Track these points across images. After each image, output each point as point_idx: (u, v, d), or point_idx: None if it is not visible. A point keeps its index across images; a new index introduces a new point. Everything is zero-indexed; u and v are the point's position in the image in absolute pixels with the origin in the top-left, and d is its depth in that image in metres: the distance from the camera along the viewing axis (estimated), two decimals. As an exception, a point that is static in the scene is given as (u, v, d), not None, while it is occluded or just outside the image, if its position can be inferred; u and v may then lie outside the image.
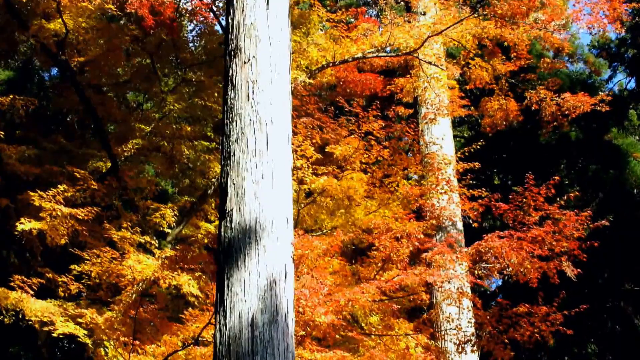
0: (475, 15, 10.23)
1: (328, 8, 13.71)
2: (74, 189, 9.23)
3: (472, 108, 12.75)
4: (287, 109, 5.64)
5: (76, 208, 8.77)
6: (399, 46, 10.41)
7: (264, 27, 5.69)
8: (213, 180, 10.96)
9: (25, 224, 8.41)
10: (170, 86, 12.26)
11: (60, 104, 13.04)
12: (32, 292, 8.34)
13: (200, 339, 7.90)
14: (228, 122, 5.49)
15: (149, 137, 11.56)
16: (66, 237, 8.75)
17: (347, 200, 10.43)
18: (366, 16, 13.03)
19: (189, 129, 11.56)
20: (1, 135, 9.65)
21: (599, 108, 11.18)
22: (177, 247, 9.63)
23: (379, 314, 9.15)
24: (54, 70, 14.87)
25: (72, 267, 8.72)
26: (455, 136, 14.10)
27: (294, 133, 9.03)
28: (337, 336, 8.09)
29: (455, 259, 8.36)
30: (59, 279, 8.89)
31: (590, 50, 17.45)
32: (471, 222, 10.72)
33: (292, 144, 6.09)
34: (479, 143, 11.26)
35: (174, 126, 11.47)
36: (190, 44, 12.83)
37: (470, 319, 9.31)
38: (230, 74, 5.63)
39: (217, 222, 8.40)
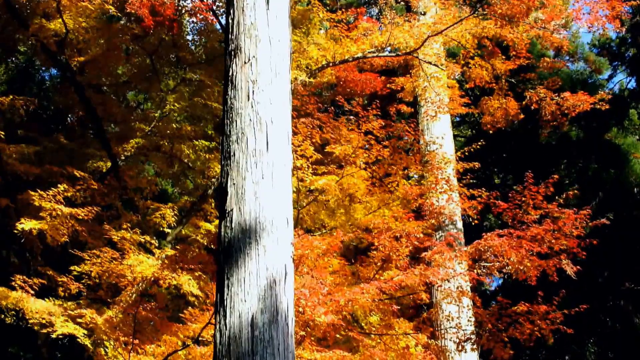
0: (475, 15, 10.23)
1: (328, 8, 13.71)
2: (74, 188, 9.23)
3: (473, 107, 12.77)
4: (287, 109, 5.64)
5: (76, 208, 8.76)
6: (399, 46, 10.41)
7: (264, 27, 5.69)
8: (213, 180, 10.95)
9: (26, 224, 8.41)
10: (170, 86, 12.26)
11: (61, 104, 13.05)
12: (32, 292, 8.34)
13: (200, 338, 7.90)
14: (228, 122, 5.49)
15: (149, 137, 11.55)
16: (66, 237, 8.74)
17: (347, 200, 10.44)
18: (366, 16, 13.04)
19: (189, 128, 11.56)
20: (1, 135, 9.65)
21: (598, 106, 11.19)
22: (177, 247, 9.64)
23: (379, 314, 9.15)
24: (54, 70, 14.89)
25: (72, 267, 8.72)
26: (455, 136, 14.11)
27: (294, 133, 9.03)
28: (337, 336, 8.09)
29: (454, 258, 8.36)
30: (59, 279, 8.88)
31: (591, 49, 17.45)
32: (471, 220, 10.73)
33: (292, 143, 6.09)
34: (479, 143, 11.26)
35: (174, 126, 11.46)
36: (190, 44, 12.84)
37: (470, 317, 9.31)
38: (230, 73, 5.63)
39: (217, 222, 8.40)
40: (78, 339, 8.09)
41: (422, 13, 12.29)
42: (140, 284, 8.36)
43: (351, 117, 10.42)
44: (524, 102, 12.16)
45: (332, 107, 11.35)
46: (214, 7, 10.63)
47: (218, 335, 4.89)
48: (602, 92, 12.26)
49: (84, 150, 11.87)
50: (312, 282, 7.00)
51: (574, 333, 8.28)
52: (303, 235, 7.63)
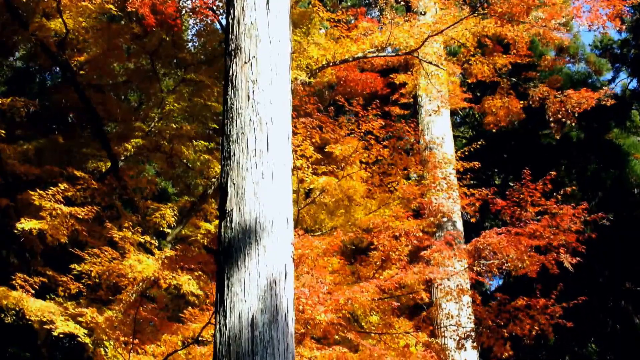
0: (475, 15, 10.23)
1: (328, 8, 13.71)
2: (74, 188, 9.23)
3: (475, 106, 12.79)
4: (287, 109, 5.64)
5: (76, 208, 8.76)
6: (399, 46, 10.41)
7: (264, 27, 5.69)
8: (213, 180, 10.95)
9: (26, 224, 8.41)
10: (170, 86, 12.26)
11: (61, 104, 13.04)
12: (32, 291, 8.34)
13: (200, 338, 7.89)
14: (228, 122, 5.49)
15: (149, 137, 11.55)
16: (66, 237, 8.74)
17: (346, 200, 10.43)
18: (367, 16, 13.03)
19: (189, 128, 11.56)
20: (2, 135, 9.65)
21: (603, 102, 11.17)
22: (177, 247, 9.63)
23: (379, 313, 9.15)
24: (55, 70, 14.87)
25: (72, 266, 8.72)
26: (455, 137, 14.11)
27: (294, 133, 9.03)
28: (336, 337, 8.10)
29: (453, 256, 8.37)
30: (59, 279, 8.89)
31: (593, 51, 17.44)
32: (469, 217, 10.75)
33: (292, 143, 6.09)
34: (479, 143, 11.26)
35: (174, 126, 11.46)
36: (190, 44, 12.84)
37: (469, 315, 9.32)
38: (230, 73, 5.63)
39: (217, 222, 8.40)
40: (78, 338, 8.10)
41: (422, 13, 12.29)
42: (141, 283, 8.36)
43: (351, 117, 10.41)
44: (526, 101, 12.17)
45: (332, 107, 11.36)
46: (214, 7, 10.63)
47: (218, 335, 4.89)
48: (605, 88, 12.24)
49: (84, 150, 11.87)
50: (311, 281, 7.00)
51: (574, 333, 8.31)
52: (303, 235, 7.64)
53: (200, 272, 8.74)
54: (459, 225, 11.18)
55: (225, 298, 4.91)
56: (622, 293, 15.56)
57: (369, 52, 10.48)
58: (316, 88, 12.49)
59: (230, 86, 5.59)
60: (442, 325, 9.92)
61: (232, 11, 5.84)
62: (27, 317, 8.14)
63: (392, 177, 10.54)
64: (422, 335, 8.97)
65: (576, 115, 11.45)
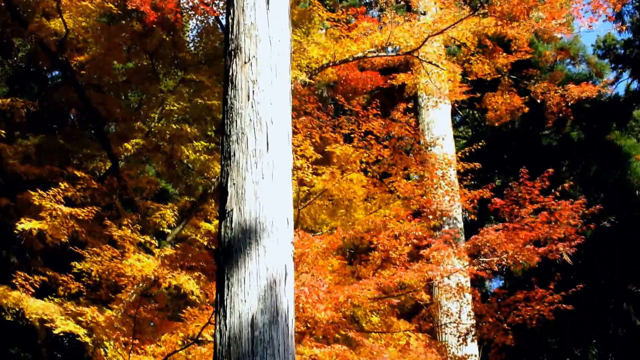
0: (476, 14, 10.21)
1: (328, 7, 13.69)
2: (74, 188, 9.22)
3: (476, 104, 12.80)
4: (287, 109, 5.64)
5: (76, 208, 8.75)
6: (399, 45, 10.40)
7: (264, 27, 5.68)
8: (213, 180, 10.94)
9: (26, 224, 8.40)
10: (170, 86, 12.24)
11: (61, 104, 13.03)
12: (32, 291, 8.33)
13: (200, 338, 7.89)
14: (228, 122, 5.49)
15: (149, 137, 11.55)
16: (66, 237, 8.73)
17: (347, 200, 10.43)
18: (367, 16, 13.01)
19: (189, 129, 11.55)
20: (2, 135, 9.64)
21: (603, 90, 11.17)
22: (177, 246, 9.62)
23: (379, 314, 9.16)
24: (55, 70, 14.87)
25: (72, 264, 8.71)
26: (455, 137, 14.10)
27: (294, 132, 9.02)
28: (337, 336, 8.10)
29: (453, 255, 8.38)
30: (59, 278, 8.88)
31: (595, 51, 17.38)
32: (468, 214, 10.74)
33: (292, 143, 6.09)
34: (480, 143, 11.25)
35: (174, 126, 11.45)
36: (190, 44, 12.82)
37: (469, 312, 9.33)
38: (230, 73, 5.62)
39: (217, 222, 8.40)
40: (79, 338, 8.09)
41: (423, 12, 12.29)
42: (141, 283, 8.36)
43: (351, 117, 10.40)
44: (527, 97, 12.20)
45: (332, 106, 11.35)
46: (213, 6, 10.61)
47: (218, 335, 4.88)
48: (605, 79, 12.22)
49: (84, 150, 11.87)
50: (311, 280, 7.00)
51: (576, 335, 8.30)
52: (303, 234, 7.64)
53: (200, 272, 8.73)
54: (460, 225, 11.19)
55: (225, 298, 4.91)
56: (623, 295, 15.54)
57: (369, 52, 10.47)
58: (316, 88, 12.49)
59: (230, 86, 5.58)
60: (442, 323, 9.93)
61: (232, 11, 5.84)
62: (27, 316, 8.13)
63: (393, 177, 10.54)
64: (423, 337, 8.98)
65: (571, 105, 11.46)
